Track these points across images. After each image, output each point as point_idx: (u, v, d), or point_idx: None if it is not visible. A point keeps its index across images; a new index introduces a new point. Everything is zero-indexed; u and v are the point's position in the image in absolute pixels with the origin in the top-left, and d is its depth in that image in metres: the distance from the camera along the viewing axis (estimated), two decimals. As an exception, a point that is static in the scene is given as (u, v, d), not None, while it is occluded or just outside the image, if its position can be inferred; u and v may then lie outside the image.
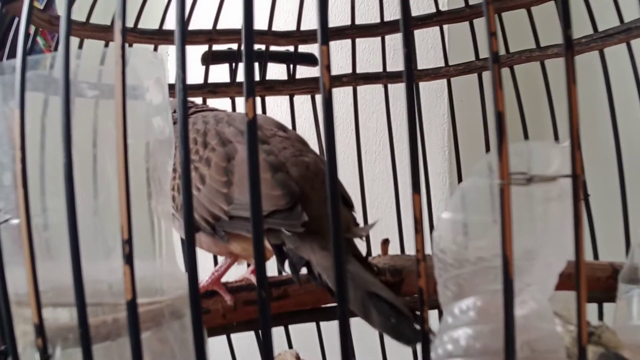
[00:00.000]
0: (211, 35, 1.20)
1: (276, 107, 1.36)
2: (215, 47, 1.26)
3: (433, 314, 1.01)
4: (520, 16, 1.18)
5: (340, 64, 1.41)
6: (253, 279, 0.90)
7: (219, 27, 1.21)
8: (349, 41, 1.28)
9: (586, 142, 0.51)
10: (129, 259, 0.51)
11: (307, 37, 1.26)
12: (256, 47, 1.29)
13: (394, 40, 1.40)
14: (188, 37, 1.17)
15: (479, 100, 1.22)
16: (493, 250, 0.49)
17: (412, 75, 0.47)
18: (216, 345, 1.13)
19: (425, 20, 1.24)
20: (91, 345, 0.54)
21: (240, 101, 1.27)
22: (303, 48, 1.29)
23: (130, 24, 1.11)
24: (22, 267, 0.61)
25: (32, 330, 0.59)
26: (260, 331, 1.08)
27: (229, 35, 1.22)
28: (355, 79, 1.28)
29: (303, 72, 1.31)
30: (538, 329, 0.51)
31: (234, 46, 1.26)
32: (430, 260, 0.91)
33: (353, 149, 1.26)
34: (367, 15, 1.46)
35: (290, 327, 1.13)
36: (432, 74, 1.27)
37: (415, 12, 1.25)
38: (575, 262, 0.47)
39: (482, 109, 1.22)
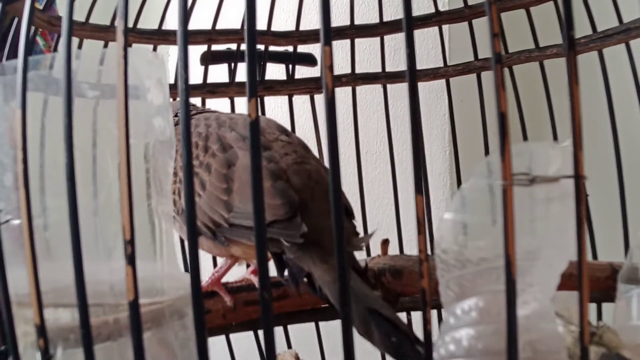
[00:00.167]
0: (210, 36, 1.20)
1: (277, 108, 1.36)
2: (214, 47, 1.26)
3: (432, 314, 1.01)
4: (519, 16, 1.18)
5: (339, 64, 1.40)
6: (253, 279, 0.90)
7: (218, 27, 1.21)
8: (348, 41, 1.28)
9: (585, 142, 0.51)
10: (131, 259, 0.51)
11: (307, 37, 1.26)
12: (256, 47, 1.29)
13: (394, 41, 1.40)
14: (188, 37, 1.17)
15: (479, 100, 1.22)
16: (495, 251, 0.49)
17: (414, 76, 0.47)
18: (215, 345, 1.13)
19: (425, 21, 1.25)
20: (93, 346, 0.54)
21: (239, 101, 1.27)
22: (302, 48, 1.29)
23: (129, 24, 1.11)
24: (22, 268, 0.61)
25: (33, 330, 0.59)
26: (260, 331, 1.09)
27: (228, 35, 1.22)
28: (354, 79, 1.28)
29: (303, 72, 1.31)
30: (540, 330, 0.51)
31: (233, 46, 1.26)
32: (432, 261, 0.92)
33: (353, 149, 1.26)
34: (367, 15, 1.46)
35: (290, 327, 1.13)
36: (431, 74, 1.27)
37: (414, 12, 1.25)
38: (578, 263, 0.47)
39: (481, 109, 1.22)
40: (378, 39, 1.29)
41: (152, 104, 0.65)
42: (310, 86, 1.29)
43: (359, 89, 1.30)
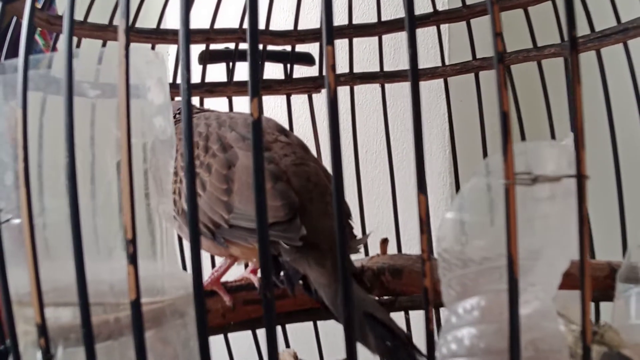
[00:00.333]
0: (209, 35, 1.20)
1: (276, 107, 1.36)
2: (213, 47, 1.25)
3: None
4: (517, 16, 1.18)
5: (338, 64, 1.40)
6: (252, 278, 0.90)
7: (216, 26, 1.21)
8: (346, 40, 1.28)
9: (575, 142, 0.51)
10: (133, 258, 0.51)
11: (305, 36, 1.26)
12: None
13: (394, 40, 1.40)
14: (185, 36, 1.17)
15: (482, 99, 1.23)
16: (497, 250, 0.49)
17: (417, 75, 0.47)
18: (214, 345, 1.12)
19: (423, 20, 1.24)
20: (94, 345, 0.54)
21: (237, 100, 1.27)
22: (300, 47, 1.29)
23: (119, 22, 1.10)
24: (22, 267, 0.60)
25: (33, 329, 0.59)
26: (258, 331, 1.09)
27: (227, 34, 1.22)
28: (352, 79, 1.28)
29: (302, 71, 1.31)
30: (542, 328, 0.51)
31: (232, 45, 1.26)
32: (432, 260, 0.92)
33: (351, 148, 1.26)
34: (367, 15, 1.46)
35: (288, 327, 1.13)
36: (429, 74, 1.27)
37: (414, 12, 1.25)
38: (580, 262, 0.47)
39: (479, 108, 1.22)
40: (377, 38, 1.29)
41: (153, 103, 0.65)
42: (308, 85, 1.29)
43: (359, 88, 1.30)
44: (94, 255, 0.63)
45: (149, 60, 0.67)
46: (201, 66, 1.25)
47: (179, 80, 1.17)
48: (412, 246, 1.22)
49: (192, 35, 1.18)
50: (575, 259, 0.53)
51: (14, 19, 0.86)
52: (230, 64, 1.27)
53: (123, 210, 0.52)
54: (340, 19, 1.31)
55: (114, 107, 0.67)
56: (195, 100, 1.23)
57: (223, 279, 0.90)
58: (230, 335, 1.15)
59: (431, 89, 1.35)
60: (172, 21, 1.35)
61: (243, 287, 0.89)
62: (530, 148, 0.53)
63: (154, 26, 1.18)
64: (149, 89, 0.65)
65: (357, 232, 1.05)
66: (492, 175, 0.51)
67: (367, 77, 1.30)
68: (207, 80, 1.25)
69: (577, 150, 0.47)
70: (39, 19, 0.97)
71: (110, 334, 0.62)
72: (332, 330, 1.18)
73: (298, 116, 1.31)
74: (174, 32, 1.18)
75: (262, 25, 1.23)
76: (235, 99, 1.27)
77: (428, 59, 1.33)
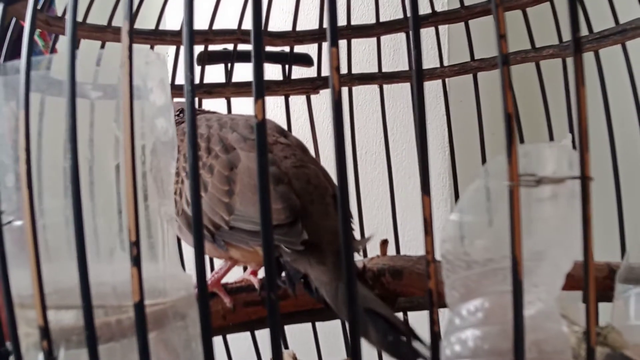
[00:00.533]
0: (207, 36, 1.20)
1: (276, 108, 1.36)
2: (211, 47, 1.25)
3: (427, 315, 1.01)
4: (515, 17, 1.18)
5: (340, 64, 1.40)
6: (253, 279, 0.90)
7: (214, 27, 1.21)
8: (344, 41, 1.28)
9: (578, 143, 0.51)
10: (136, 260, 0.51)
11: (303, 37, 1.26)
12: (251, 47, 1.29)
13: (393, 41, 1.40)
14: (184, 37, 1.17)
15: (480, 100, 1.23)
16: (501, 251, 0.50)
17: (421, 76, 0.47)
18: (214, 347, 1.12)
19: (422, 21, 1.24)
20: (97, 347, 0.54)
21: (236, 101, 1.27)
22: (299, 48, 1.29)
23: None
24: (23, 269, 0.60)
25: (35, 331, 0.59)
26: (257, 332, 1.09)
27: (225, 35, 1.22)
28: (351, 80, 1.28)
29: (302, 72, 1.31)
30: (545, 330, 0.51)
31: (230, 46, 1.26)
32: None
33: (350, 149, 1.26)
34: (366, 16, 1.46)
35: (286, 328, 1.13)
36: (427, 75, 1.27)
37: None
38: (584, 263, 0.47)
39: (478, 109, 1.22)
40: (375, 39, 1.29)
41: (155, 104, 0.65)
42: (306, 86, 1.29)
43: (360, 89, 1.31)
44: (94, 256, 0.63)
45: (150, 62, 0.67)
46: (199, 67, 1.24)
47: (177, 81, 1.17)
48: (411, 247, 1.22)
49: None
50: (577, 259, 0.53)
51: (13, 19, 0.86)
52: (229, 65, 1.27)
53: (127, 212, 0.52)
54: (338, 19, 1.30)
55: (113, 108, 0.67)
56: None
57: (223, 281, 0.90)
58: (229, 336, 1.15)
59: (430, 90, 1.35)
60: (171, 22, 1.35)
61: (243, 288, 0.90)
62: (530, 150, 0.53)
63: (153, 27, 1.17)
64: (150, 90, 0.65)
65: (356, 233, 1.05)
66: (496, 177, 0.51)
67: (365, 78, 1.30)
68: (205, 81, 1.25)
69: (581, 152, 0.47)
70: (38, 20, 0.96)
71: (112, 336, 0.62)
72: (332, 331, 1.19)
73: (298, 117, 1.31)
74: (173, 33, 1.18)
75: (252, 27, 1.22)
76: (233, 100, 1.27)
77: (427, 60, 1.33)
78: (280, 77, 1.29)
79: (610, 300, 0.85)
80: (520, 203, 0.46)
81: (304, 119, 1.27)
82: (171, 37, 1.17)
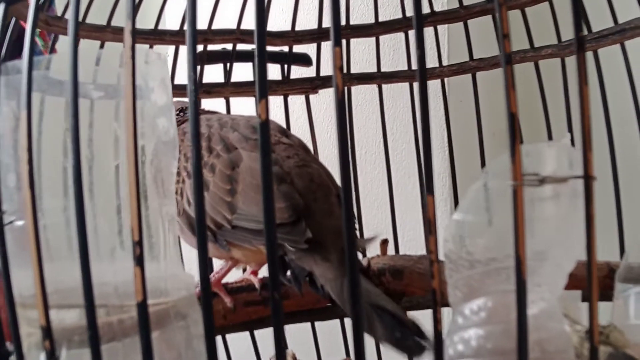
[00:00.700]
0: (206, 36, 1.20)
1: (275, 108, 1.36)
2: (210, 47, 1.25)
3: (427, 314, 1.01)
4: (513, 17, 1.18)
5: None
6: (253, 279, 0.90)
7: (213, 27, 1.21)
8: (344, 41, 1.28)
9: (581, 142, 0.51)
10: (139, 260, 0.51)
11: (302, 37, 1.26)
12: (250, 47, 1.29)
13: (393, 41, 1.39)
14: (183, 37, 1.17)
15: (479, 100, 1.23)
16: (504, 251, 0.50)
17: (425, 76, 0.47)
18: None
19: (420, 21, 1.24)
20: (100, 346, 0.54)
21: (234, 101, 1.27)
22: (298, 48, 1.29)
23: (124, 23, 1.10)
24: (24, 269, 0.60)
25: (36, 331, 0.59)
26: (256, 332, 1.09)
27: (224, 35, 1.22)
28: (349, 79, 1.28)
29: (302, 72, 1.31)
30: (548, 329, 0.51)
31: (229, 46, 1.26)
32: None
33: (350, 149, 1.26)
34: (366, 16, 1.46)
35: (286, 327, 1.13)
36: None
37: (409, 12, 1.26)
38: (587, 262, 0.47)
39: (477, 109, 1.22)
40: (374, 39, 1.29)
41: (156, 104, 0.65)
42: (305, 86, 1.29)
43: (359, 89, 1.30)
44: (95, 256, 0.63)
45: (151, 61, 0.67)
46: (198, 67, 1.24)
47: (177, 81, 1.17)
48: (411, 247, 1.22)
49: (189, 36, 1.18)
50: (580, 259, 0.53)
51: (13, 19, 0.85)
52: (228, 64, 1.27)
53: (130, 212, 0.52)
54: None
55: (112, 108, 0.67)
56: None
57: (223, 281, 0.90)
58: (228, 336, 1.15)
59: (430, 90, 1.34)
60: (171, 22, 1.35)
61: (244, 288, 0.89)
62: (531, 149, 0.53)
63: (152, 27, 1.17)
64: (152, 90, 0.65)
65: (356, 233, 1.05)
66: (498, 177, 0.51)
67: (364, 78, 1.30)
68: (204, 81, 1.25)
69: (585, 152, 0.47)
70: (38, 19, 0.96)
71: (114, 335, 0.62)
72: (332, 331, 1.19)
73: (297, 117, 1.31)
74: (172, 33, 1.18)
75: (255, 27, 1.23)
76: (232, 99, 1.26)
77: (428, 59, 1.33)
78: (279, 77, 1.29)
79: (610, 299, 0.85)
80: (524, 202, 0.46)
81: (304, 119, 1.27)
82: (170, 37, 1.17)
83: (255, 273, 0.91)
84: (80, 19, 1.07)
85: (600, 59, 1.13)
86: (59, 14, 1.02)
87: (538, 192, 0.50)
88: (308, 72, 1.31)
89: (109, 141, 0.67)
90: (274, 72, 1.30)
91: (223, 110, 1.22)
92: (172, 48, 1.21)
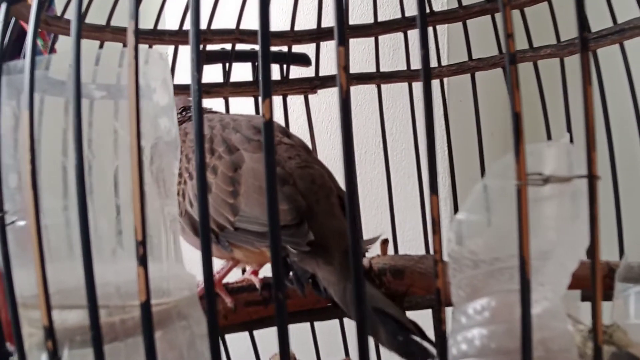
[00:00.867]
0: (205, 36, 1.20)
1: (275, 108, 1.36)
2: (209, 47, 1.25)
3: (427, 314, 1.01)
4: (512, 17, 1.18)
5: (334, 64, 1.40)
6: (254, 279, 0.90)
7: (212, 27, 1.21)
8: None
9: (580, 142, 0.51)
10: (143, 260, 0.51)
11: (301, 37, 1.25)
12: (249, 47, 1.29)
13: (392, 41, 1.39)
14: (182, 37, 1.17)
15: (479, 100, 1.23)
16: (507, 251, 0.50)
17: (429, 76, 0.47)
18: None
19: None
20: (103, 347, 0.54)
21: (233, 101, 1.27)
22: (297, 48, 1.29)
23: (124, 23, 1.09)
24: (26, 270, 0.60)
25: (38, 331, 0.59)
26: (255, 332, 1.09)
27: (223, 35, 1.21)
28: (349, 79, 1.28)
29: (302, 72, 1.31)
30: (552, 328, 0.51)
31: (228, 46, 1.26)
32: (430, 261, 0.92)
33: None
34: (365, 16, 1.46)
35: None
36: (425, 74, 1.27)
37: (408, 12, 1.26)
38: (591, 262, 0.47)
39: (476, 109, 1.22)
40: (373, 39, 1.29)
41: (158, 104, 0.65)
42: (304, 86, 1.29)
43: (359, 89, 1.30)
44: (95, 256, 0.63)
45: (153, 61, 0.66)
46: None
47: (176, 81, 1.16)
48: (410, 247, 1.22)
49: (188, 37, 1.18)
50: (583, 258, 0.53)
51: (13, 19, 0.85)
52: (227, 64, 1.27)
53: (129, 212, 0.52)
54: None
55: (112, 108, 0.67)
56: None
57: (224, 281, 0.90)
58: (228, 336, 1.14)
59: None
60: (170, 22, 1.35)
61: (244, 288, 0.90)
62: (532, 149, 0.53)
63: (151, 27, 1.17)
64: (154, 90, 0.65)
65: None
66: (503, 176, 0.51)
67: (363, 78, 1.30)
68: (203, 81, 1.25)
69: (589, 151, 0.47)
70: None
71: (116, 336, 0.62)
72: (331, 331, 1.19)
73: (297, 117, 1.31)
74: (171, 33, 1.17)
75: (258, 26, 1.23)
76: (231, 99, 1.26)
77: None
78: (278, 77, 1.29)
79: (610, 299, 0.86)
80: (528, 202, 0.46)
81: (303, 120, 1.27)
82: (169, 37, 1.17)
83: (255, 273, 0.91)
84: (79, 19, 1.07)
85: (600, 59, 1.13)
86: (59, 14, 1.02)
87: (540, 191, 0.50)
88: (307, 72, 1.31)
89: (109, 141, 0.67)
90: (273, 72, 1.30)
91: (222, 111, 1.22)
92: (171, 48, 1.20)
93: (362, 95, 1.42)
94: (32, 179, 0.56)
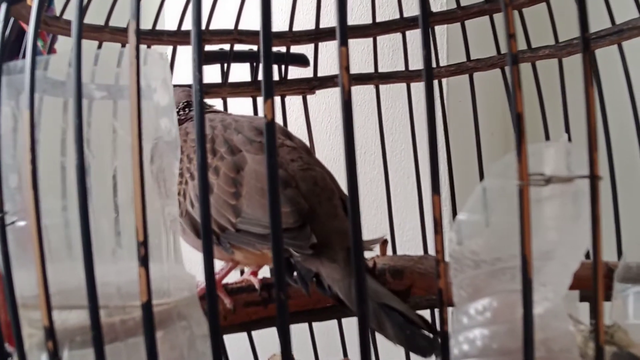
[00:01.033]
0: (204, 36, 1.20)
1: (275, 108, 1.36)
2: (207, 48, 1.25)
3: (426, 314, 1.01)
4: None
5: (332, 65, 1.41)
6: (253, 280, 0.90)
7: (211, 27, 1.20)
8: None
9: (579, 142, 0.51)
10: (144, 261, 0.51)
11: (300, 37, 1.25)
12: (248, 47, 1.29)
13: (391, 41, 1.39)
14: (181, 37, 1.17)
15: (478, 100, 1.23)
16: (509, 251, 0.50)
17: (431, 76, 0.47)
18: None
19: (417, 21, 1.24)
20: (104, 347, 0.54)
21: (232, 102, 1.26)
22: (295, 49, 1.29)
23: (123, 23, 1.10)
24: (26, 270, 0.60)
25: (38, 332, 0.59)
26: (254, 332, 1.09)
27: (222, 35, 1.21)
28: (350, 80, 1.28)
29: (301, 72, 1.31)
30: (553, 328, 0.51)
31: (226, 47, 1.26)
32: (429, 261, 0.92)
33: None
34: (365, 17, 1.46)
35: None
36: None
37: (407, 12, 1.26)
38: (593, 262, 0.47)
39: (474, 109, 1.23)
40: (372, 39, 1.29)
41: (159, 104, 0.65)
42: (302, 87, 1.29)
43: (358, 89, 1.30)
44: (95, 256, 0.63)
45: (153, 61, 0.66)
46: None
47: (174, 81, 1.16)
48: (409, 247, 1.22)
49: (187, 37, 1.18)
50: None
51: (12, 20, 0.85)
52: (225, 65, 1.27)
53: (129, 212, 0.52)
54: (334, 19, 1.30)
55: (111, 108, 0.67)
56: (191, 102, 1.23)
57: (223, 282, 0.89)
58: (226, 337, 1.14)
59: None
60: (169, 22, 1.35)
61: (244, 289, 0.89)
62: (533, 149, 0.53)
63: (149, 27, 1.17)
64: (154, 90, 0.65)
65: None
66: (504, 176, 0.51)
67: (362, 79, 1.30)
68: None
69: (590, 152, 0.47)
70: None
71: (116, 336, 0.62)
72: (330, 331, 1.19)
73: (296, 117, 1.31)
74: (169, 34, 1.17)
75: (257, 26, 1.22)
76: (230, 100, 1.26)
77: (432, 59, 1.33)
78: (276, 78, 1.29)
79: (609, 299, 0.86)
80: (530, 202, 0.46)
81: (302, 120, 1.27)
82: (168, 37, 1.17)
83: (255, 274, 0.91)
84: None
85: (598, 59, 1.13)
86: (58, 14, 1.02)
87: (542, 191, 0.50)
88: (305, 72, 1.31)
89: (108, 141, 0.67)
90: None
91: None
92: (170, 48, 1.20)
93: (360, 96, 1.42)
94: (33, 179, 0.56)
